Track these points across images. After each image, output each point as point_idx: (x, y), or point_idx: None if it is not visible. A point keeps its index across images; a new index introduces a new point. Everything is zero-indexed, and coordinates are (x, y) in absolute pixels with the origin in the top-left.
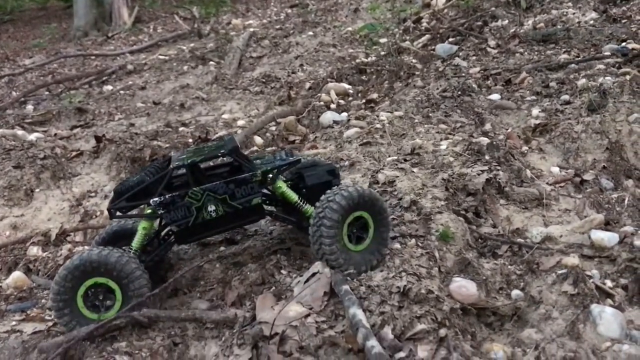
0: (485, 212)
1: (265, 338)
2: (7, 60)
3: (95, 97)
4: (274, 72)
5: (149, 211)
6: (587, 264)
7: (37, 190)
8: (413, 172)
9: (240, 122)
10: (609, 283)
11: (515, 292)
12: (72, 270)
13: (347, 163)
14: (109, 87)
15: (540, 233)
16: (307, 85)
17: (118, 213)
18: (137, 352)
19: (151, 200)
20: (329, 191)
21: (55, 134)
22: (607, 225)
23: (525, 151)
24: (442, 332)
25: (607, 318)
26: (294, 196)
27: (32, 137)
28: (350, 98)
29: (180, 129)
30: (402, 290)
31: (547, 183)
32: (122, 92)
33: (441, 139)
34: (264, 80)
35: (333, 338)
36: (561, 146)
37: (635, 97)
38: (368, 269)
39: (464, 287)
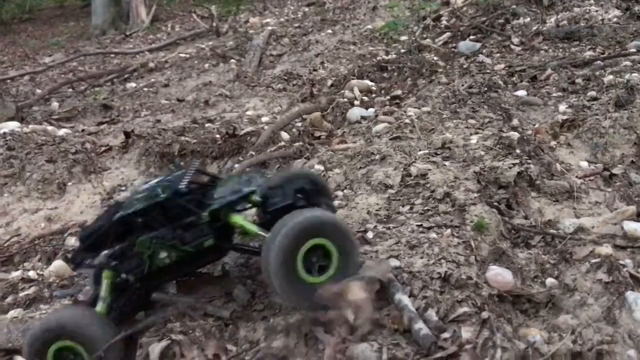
0: (517, 205)
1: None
2: (27, 59)
3: (119, 94)
4: (295, 70)
5: (100, 262)
6: (620, 254)
7: (70, 184)
8: (445, 165)
9: (264, 119)
10: None
11: (550, 280)
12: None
13: (377, 157)
14: (133, 85)
15: (573, 224)
16: (329, 82)
17: (84, 262)
18: (191, 331)
19: (102, 254)
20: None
21: (83, 130)
22: (638, 217)
23: (554, 146)
24: (485, 314)
25: None
26: (252, 227)
27: (61, 132)
28: (374, 95)
29: (207, 125)
30: (443, 276)
31: (576, 177)
32: (145, 89)
33: (471, 134)
34: (285, 77)
35: (380, 319)
36: (589, 141)
37: None
38: None
39: (500, 275)
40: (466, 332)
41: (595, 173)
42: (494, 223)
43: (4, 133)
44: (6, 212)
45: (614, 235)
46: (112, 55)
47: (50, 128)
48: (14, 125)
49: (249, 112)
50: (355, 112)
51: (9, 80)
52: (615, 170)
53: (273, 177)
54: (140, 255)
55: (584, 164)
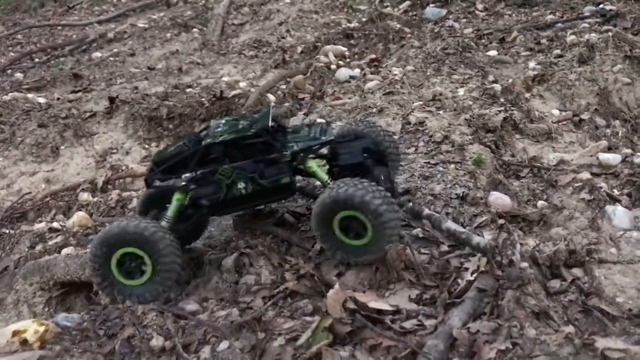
0: (504, 146)
1: None
2: None
3: (85, 64)
4: (264, 37)
5: (182, 184)
6: (597, 179)
7: (62, 147)
8: (439, 114)
9: (242, 84)
10: (615, 192)
11: (541, 203)
12: (108, 238)
13: (375, 110)
14: (98, 54)
15: (555, 157)
16: (299, 49)
17: (155, 183)
18: (254, 247)
19: (183, 176)
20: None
21: (59, 98)
22: (609, 150)
23: (528, 97)
24: (501, 221)
25: (619, 214)
26: (324, 176)
27: (42, 100)
28: (348, 59)
29: (187, 90)
30: (460, 195)
31: (551, 122)
32: (111, 59)
33: (456, 87)
34: (255, 45)
35: None
36: (558, 93)
37: (618, 51)
38: None
39: (500, 199)
40: (488, 235)
41: (567, 118)
42: (489, 159)
43: None
44: (3, 174)
45: (590, 164)
46: (60, 28)
47: (30, 95)
48: None
49: (225, 79)
50: (343, 73)
51: None
52: (583, 116)
53: (342, 132)
54: (220, 183)
55: (556, 111)
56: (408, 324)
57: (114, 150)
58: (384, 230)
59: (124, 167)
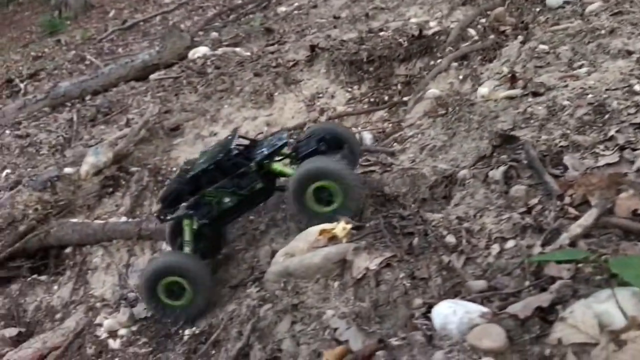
0: None
1: None
2: (146, 2)
3: (272, 18)
4: None
5: (184, 212)
6: None
7: (276, 94)
8: None
9: (431, 24)
10: None
11: None
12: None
13: (604, 32)
14: (283, 9)
15: None
16: None
17: (167, 217)
18: None
19: (180, 206)
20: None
21: (257, 51)
22: None
23: None
24: None
25: None
26: (289, 171)
27: (246, 53)
28: None
29: (381, 33)
30: None
31: None
32: (295, 12)
33: None
34: None
35: None
36: None
37: None
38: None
39: None
40: None
41: None
42: None
43: (204, 55)
44: (230, 120)
45: None
46: None
47: (237, 49)
48: (204, 50)
49: (413, 20)
50: None
51: (141, 23)
52: None
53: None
54: (210, 202)
55: None
56: None
57: (320, 95)
58: (350, 194)
59: (331, 110)
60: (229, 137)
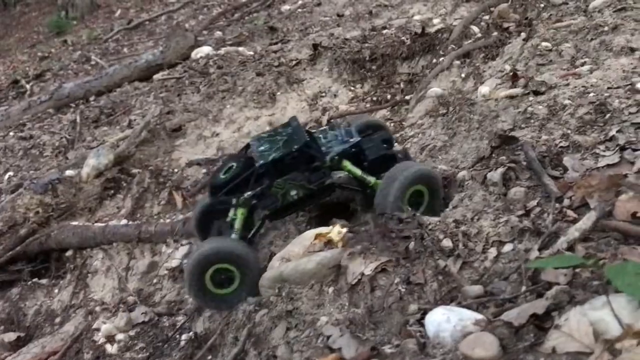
0: None
1: None
2: (152, 1)
3: (276, 17)
4: None
5: (245, 200)
6: None
7: (278, 93)
8: None
9: (435, 21)
10: None
11: None
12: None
13: (607, 28)
14: (287, 7)
15: None
16: None
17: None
18: None
19: (246, 194)
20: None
21: (265, 51)
22: None
23: None
24: None
25: None
26: (357, 171)
27: (250, 52)
28: None
29: (384, 31)
30: None
31: None
32: (299, 10)
33: None
34: None
35: None
36: None
37: None
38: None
39: None
40: None
41: None
42: None
43: (207, 55)
44: (233, 120)
45: None
46: None
47: (240, 49)
48: (208, 49)
49: (416, 17)
50: None
51: (147, 22)
52: None
53: (358, 127)
54: (275, 194)
55: None
56: None
57: (323, 94)
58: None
59: (333, 108)
60: (295, 124)
